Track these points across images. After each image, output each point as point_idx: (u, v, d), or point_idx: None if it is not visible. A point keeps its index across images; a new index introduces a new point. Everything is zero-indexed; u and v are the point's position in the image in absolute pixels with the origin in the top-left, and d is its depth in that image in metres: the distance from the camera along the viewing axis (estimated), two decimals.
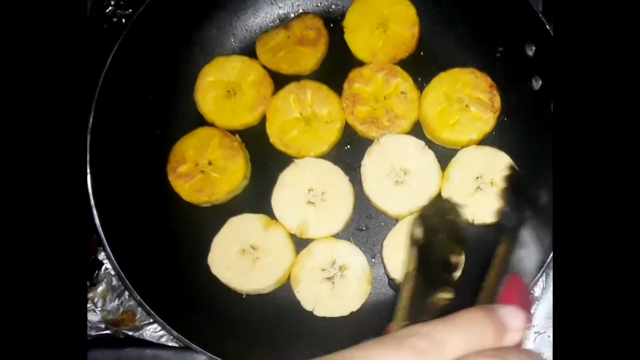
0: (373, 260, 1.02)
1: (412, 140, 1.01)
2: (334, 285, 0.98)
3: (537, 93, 0.99)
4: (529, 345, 0.97)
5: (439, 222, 0.69)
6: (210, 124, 1.06)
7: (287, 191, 1.01)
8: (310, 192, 1.01)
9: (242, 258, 0.99)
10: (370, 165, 1.00)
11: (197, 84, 1.06)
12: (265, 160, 1.05)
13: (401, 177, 0.99)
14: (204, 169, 1.02)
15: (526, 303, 0.60)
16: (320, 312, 0.97)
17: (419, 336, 0.45)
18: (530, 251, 0.71)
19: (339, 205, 1.01)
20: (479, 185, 0.98)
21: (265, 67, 1.07)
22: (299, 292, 0.98)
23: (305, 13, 1.11)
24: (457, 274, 0.62)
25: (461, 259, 0.67)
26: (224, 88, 1.06)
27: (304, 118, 1.04)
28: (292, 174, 1.01)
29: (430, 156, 1.00)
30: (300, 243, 1.01)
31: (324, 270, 0.98)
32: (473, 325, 0.47)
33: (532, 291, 0.70)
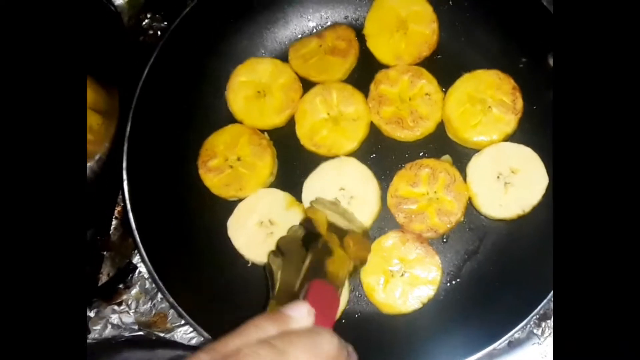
0: None
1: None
2: None
3: None
4: None
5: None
6: (240, 122, 1.10)
7: (321, 181, 1.04)
8: (340, 191, 1.03)
9: (258, 229, 1.03)
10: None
11: (229, 83, 1.11)
12: (291, 159, 1.09)
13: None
14: (232, 164, 1.06)
15: (325, 301, 0.74)
16: None
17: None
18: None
19: (362, 211, 1.02)
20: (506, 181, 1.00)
21: (295, 73, 1.11)
22: None
23: (338, 24, 1.15)
24: None
25: None
26: (255, 89, 1.10)
27: (331, 118, 1.07)
28: (332, 167, 1.05)
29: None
30: None
31: None
32: (252, 325, 0.60)
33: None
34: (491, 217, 1.01)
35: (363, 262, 0.95)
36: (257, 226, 1.03)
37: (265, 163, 1.05)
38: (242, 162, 1.06)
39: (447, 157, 1.04)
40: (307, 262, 0.82)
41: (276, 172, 1.08)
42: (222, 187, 1.05)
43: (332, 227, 0.91)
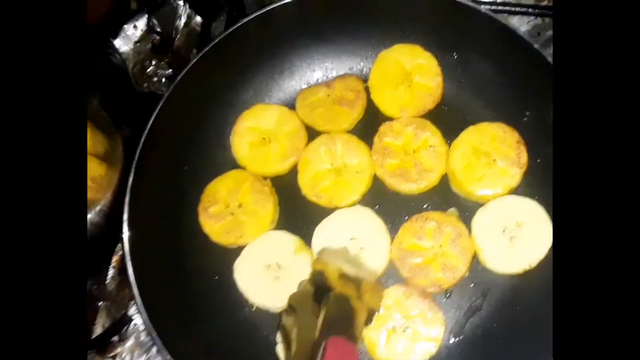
0: None
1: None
2: None
3: None
4: None
5: None
6: (242, 168, 1.09)
7: (333, 228, 1.03)
8: (351, 240, 1.02)
9: (265, 272, 1.01)
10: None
11: (234, 128, 1.11)
12: (292, 207, 1.08)
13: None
14: (234, 211, 1.04)
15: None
16: None
17: None
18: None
19: (370, 264, 1.00)
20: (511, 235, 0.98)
21: (301, 121, 1.11)
22: None
23: (348, 74, 1.15)
24: None
25: None
26: (260, 135, 1.10)
27: (334, 169, 1.06)
28: (347, 215, 1.04)
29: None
30: None
31: None
32: None
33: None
34: (497, 272, 0.99)
35: (376, 309, 0.94)
36: (264, 269, 1.01)
37: (267, 211, 1.04)
38: (244, 209, 1.04)
39: (453, 210, 1.03)
40: (321, 317, 0.80)
41: (277, 220, 1.07)
42: (222, 235, 1.03)
43: (345, 277, 0.90)
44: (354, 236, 1.02)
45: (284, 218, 1.07)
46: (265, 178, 1.08)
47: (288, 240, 1.03)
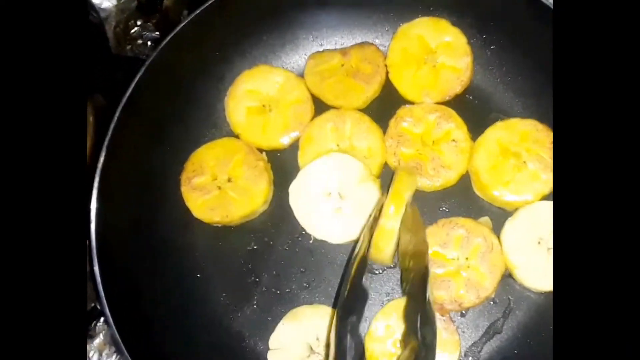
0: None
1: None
2: None
3: None
4: None
5: None
6: (236, 137, 0.97)
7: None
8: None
9: (326, 201, 0.92)
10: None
11: (231, 89, 0.98)
12: (288, 188, 0.94)
13: None
14: (221, 185, 0.93)
15: None
16: None
17: None
18: None
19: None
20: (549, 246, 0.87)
21: (308, 91, 0.99)
22: None
23: (368, 43, 1.01)
24: None
25: None
26: (260, 101, 0.97)
27: (340, 151, 0.94)
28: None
29: None
30: None
31: None
32: None
33: None
34: (539, 291, 0.88)
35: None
36: (324, 197, 0.91)
37: (260, 190, 0.92)
38: (233, 184, 0.92)
39: (486, 219, 0.92)
40: None
41: (271, 200, 0.95)
42: (206, 211, 0.91)
43: None
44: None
45: (277, 199, 0.95)
46: (260, 151, 0.95)
47: (352, 165, 0.91)
